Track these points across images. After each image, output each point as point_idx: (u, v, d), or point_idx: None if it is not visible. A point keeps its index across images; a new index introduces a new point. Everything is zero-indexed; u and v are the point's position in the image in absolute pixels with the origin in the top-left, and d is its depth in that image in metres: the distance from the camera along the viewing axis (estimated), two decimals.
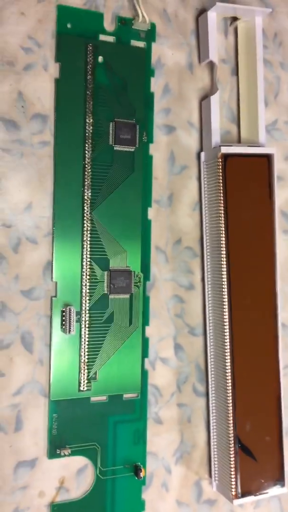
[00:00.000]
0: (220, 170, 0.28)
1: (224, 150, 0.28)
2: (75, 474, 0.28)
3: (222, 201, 0.28)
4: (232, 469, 0.28)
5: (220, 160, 0.28)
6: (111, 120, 0.28)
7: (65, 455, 0.27)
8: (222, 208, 0.28)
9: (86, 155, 0.27)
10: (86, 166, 0.27)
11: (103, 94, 0.28)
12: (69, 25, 0.27)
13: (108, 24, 0.28)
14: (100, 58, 0.28)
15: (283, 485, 0.29)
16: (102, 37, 0.28)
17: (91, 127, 0.27)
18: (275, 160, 0.29)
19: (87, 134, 0.27)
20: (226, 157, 0.28)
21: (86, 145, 0.27)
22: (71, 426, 0.27)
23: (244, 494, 0.28)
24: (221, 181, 0.28)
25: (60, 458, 0.27)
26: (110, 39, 0.28)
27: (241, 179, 0.28)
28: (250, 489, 0.28)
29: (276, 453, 0.29)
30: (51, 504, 0.27)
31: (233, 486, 0.28)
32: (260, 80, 0.30)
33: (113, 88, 0.28)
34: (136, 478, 0.28)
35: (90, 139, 0.27)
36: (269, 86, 0.33)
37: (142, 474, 0.28)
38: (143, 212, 0.29)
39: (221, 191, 0.28)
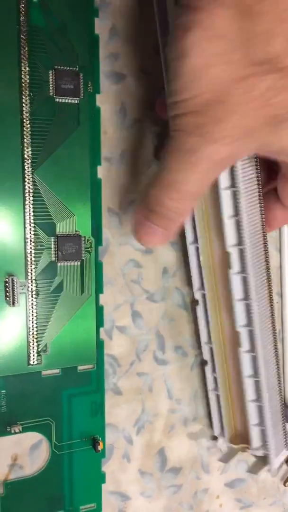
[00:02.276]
0: None
1: None
2: (28, 450, 0.27)
3: None
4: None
5: None
6: (51, 68, 0.25)
7: (15, 433, 0.26)
8: None
9: (24, 109, 0.25)
10: (24, 120, 0.25)
11: (39, 38, 0.25)
12: None
13: None
14: None
15: None
16: None
17: (27, 76, 0.25)
18: None
19: (23, 85, 0.25)
20: None
21: (23, 97, 0.25)
22: (22, 402, 0.26)
23: None
24: None
25: (11, 435, 0.26)
26: None
27: None
28: None
29: None
30: (3, 482, 0.26)
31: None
32: None
33: (51, 31, 0.25)
34: (94, 451, 0.28)
35: (27, 90, 0.25)
36: None
37: (100, 447, 0.27)
38: (92, 171, 0.27)
39: None
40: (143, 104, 0.28)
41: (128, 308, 0.29)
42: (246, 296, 0.26)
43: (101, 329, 0.28)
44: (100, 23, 0.27)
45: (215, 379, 0.29)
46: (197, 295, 0.28)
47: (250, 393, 0.27)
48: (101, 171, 0.27)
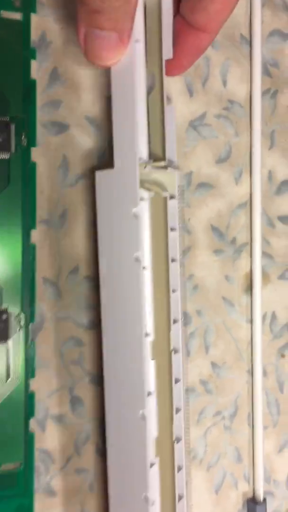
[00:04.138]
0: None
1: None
2: None
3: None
4: None
5: None
6: None
7: None
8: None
9: None
10: None
11: None
12: None
13: None
14: None
15: None
16: None
17: None
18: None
19: None
20: None
21: None
22: None
23: None
24: None
25: None
26: None
27: None
28: None
29: None
30: None
31: None
32: None
33: None
34: None
35: None
36: (194, 70, 0.27)
37: None
38: (25, 236, 0.23)
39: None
40: (88, 158, 0.25)
41: (66, 393, 0.25)
42: None
43: (32, 420, 0.24)
44: (38, 66, 0.23)
45: None
46: None
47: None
48: (36, 236, 0.24)
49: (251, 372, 0.29)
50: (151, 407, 0.24)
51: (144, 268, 0.23)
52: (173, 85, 0.26)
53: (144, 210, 0.23)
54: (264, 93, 0.28)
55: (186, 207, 0.27)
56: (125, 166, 0.23)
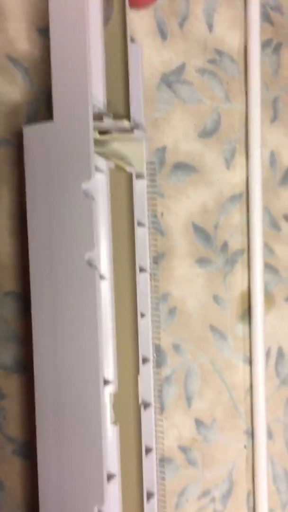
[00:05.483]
0: None
1: None
2: None
3: None
4: None
5: None
6: None
7: None
8: None
9: None
10: None
11: None
12: None
13: None
14: None
15: None
16: None
17: None
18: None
19: None
20: None
21: None
22: None
23: None
24: None
25: None
26: None
27: None
28: None
29: None
30: None
31: None
32: None
33: None
34: None
35: None
36: (169, 4, 0.20)
37: None
38: None
39: None
40: (13, 115, 0.17)
41: None
42: None
43: None
44: None
45: None
46: None
47: None
48: None
49: (251, 434, 0.21)
50: (113, 499, 0.15)
51: (101, 277, 0.15)
52: (139, 22, 0.19)
53: (100, 186, 0.16)
54: (264, 45, 0.21)
55: (159, 196, 0.19)
56: (72, 118, 0.15)
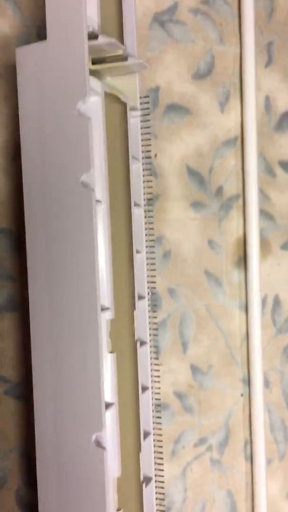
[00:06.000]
0: None
1: None
2: None
3: None
4: None
5: None
6: None
7: None
8: None
9: None
10: None
11: None
12: None
13: None
14: None
15: None
16: None
17: None
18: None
19: None
20: None
21: None
22: None
23: None
24: None
25: None
26: None
27: None
28: None
29: None
30: None
31: None
32: None
33: None
34: None
35: None
36: None
37: None
38: None
39: None
40: (4, 49, 0.17)
41: None
42: None
43: None
44: None
45: None
46: None
47: None
48: None
49: (248, 381, 0.21)
50: (111, 427, 0.15)
51: (98, 201, 0.15)
52: None
53: (96, 108, 0.15)
54: None
55: (152, 137, 0.19)
56: (66, 37, 0.15)
